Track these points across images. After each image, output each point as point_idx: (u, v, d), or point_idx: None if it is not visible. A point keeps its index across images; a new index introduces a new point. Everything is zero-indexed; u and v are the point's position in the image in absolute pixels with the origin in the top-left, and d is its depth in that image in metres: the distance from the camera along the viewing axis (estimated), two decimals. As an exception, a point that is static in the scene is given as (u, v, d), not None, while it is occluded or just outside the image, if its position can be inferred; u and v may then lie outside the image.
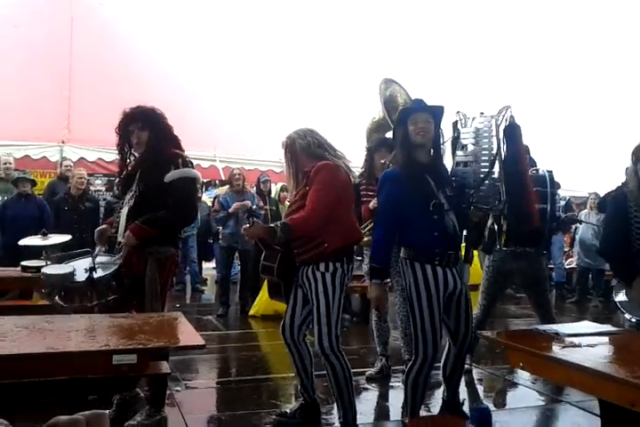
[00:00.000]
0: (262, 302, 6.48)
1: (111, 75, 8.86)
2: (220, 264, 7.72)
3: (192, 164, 3.39)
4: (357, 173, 4.13)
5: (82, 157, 8.34)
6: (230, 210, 6.65)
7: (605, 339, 2.64)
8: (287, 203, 6.06)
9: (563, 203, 8.49)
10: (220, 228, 7.06)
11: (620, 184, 3.74)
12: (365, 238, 3.61)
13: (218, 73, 10.07)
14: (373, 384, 4.23)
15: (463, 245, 3.36)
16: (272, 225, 3.04)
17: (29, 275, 4.49)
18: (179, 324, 2.74)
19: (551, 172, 4.23)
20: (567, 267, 9.42)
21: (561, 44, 13.29)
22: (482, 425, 2.40)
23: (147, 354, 2.30)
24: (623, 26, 13.36)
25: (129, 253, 3.18)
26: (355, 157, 3.75)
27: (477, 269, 6.54)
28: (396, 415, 3.60)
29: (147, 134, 3.29)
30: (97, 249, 3.35)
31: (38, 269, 3.87)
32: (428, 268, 3.01)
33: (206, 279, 9.81)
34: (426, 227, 3.01)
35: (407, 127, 3.07)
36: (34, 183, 6.69)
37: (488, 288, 4.33)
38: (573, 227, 8.44)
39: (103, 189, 8.64)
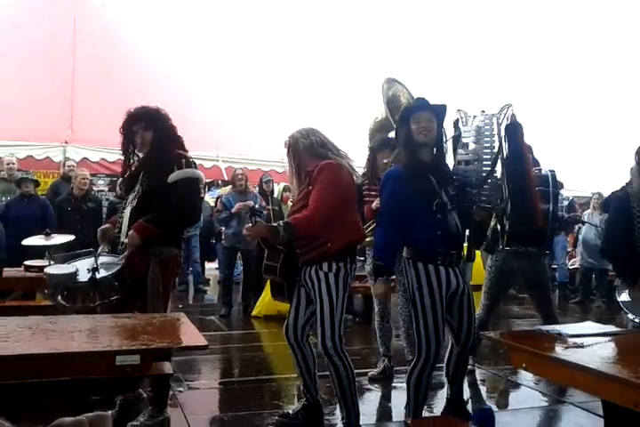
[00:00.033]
0: (265, 302, 6.48)
1: (114, 76, 8.87)
2: (222, 264, 7.73)
3: (195, 164, 3.39)
4: (360, 173, 4.12)
5: (85, 158, 8.35)
6: (233, 210, 6.66)
7: (608, 339, 2.64)
8: (290, 203, 6.06)
9: (566, 203, 8.47)
10: (223, 228, 7.08)
11: (625, 184, 3.73)
12: (368, 239, 3.61)
13: (222, 73, 10.07)
14: (376, 385, 4.22)
15: (465, 244, 3.35)
16: (275, 224, 3.03)
17: (33, 275, 4.50)
18: (181, 324, 2.74)
19: (554, 171, 4.22)
20: (570, 267, 9.40)
21: (564, 43, 13.27)
22: (485, 426, 2.39)
23: (149, 355, 2.30)
24: (629, 24, 13.32)
25: (131, 254, 3.18)
26: (357, 157, 3.74)
27: (480, 270, 6.52)
28: (398, 416, 3.59)
29: (151, 134, 3.30)
30: (100, 249, 3.36)
31: (41, 268, 3.88)
32: (430, 267, 3.00)
33: (209, 280, 9.82)
34: (429, 226, 3.00)
35: (410, 126, 3.06)
36: (37, 184, 6.69)
37: (490, 288, 4.32)
38: (576, 227, 8.43)
39: (106, 189, 8.66)
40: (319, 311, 3.08)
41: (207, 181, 9.03)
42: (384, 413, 3.80)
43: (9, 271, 4.74)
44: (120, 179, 3.82)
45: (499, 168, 3.26)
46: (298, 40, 10.98)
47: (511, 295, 8.10)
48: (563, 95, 12.40)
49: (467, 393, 3.68)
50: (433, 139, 3.08)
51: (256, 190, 7.40)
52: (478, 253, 5.23)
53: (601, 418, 2.68)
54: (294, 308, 3.27)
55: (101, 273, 3.06)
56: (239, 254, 7.09)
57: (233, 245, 6.82)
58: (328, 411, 3.51)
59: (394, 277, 3.50)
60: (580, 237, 8.68)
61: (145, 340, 2.35)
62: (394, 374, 4.36)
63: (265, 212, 6.82)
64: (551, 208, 4.09)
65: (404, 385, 3.17)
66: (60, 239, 4.91)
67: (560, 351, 2.39)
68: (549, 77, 12.75)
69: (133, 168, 3.39)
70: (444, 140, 3.24)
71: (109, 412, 3.04)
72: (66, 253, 3.65)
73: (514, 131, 3.43)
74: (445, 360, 3.27)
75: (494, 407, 3.64)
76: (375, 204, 3.94)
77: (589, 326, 2.92)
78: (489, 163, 3.21)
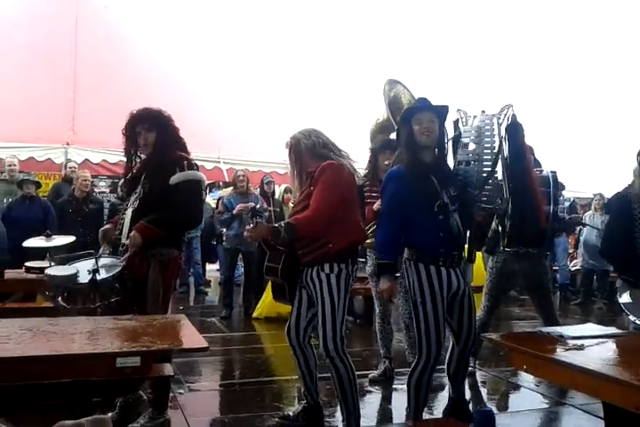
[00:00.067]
0: (266, 304, 6.48)
1: (116, 77, 8.88)
2: (223, 266, 7.73)
3: (197, 166, 3.39)
4: (361, 175, 4.12)
5: (86, 159, 8.35)
6: (234, 211, 6.66)
7: (610, 341, 2.63)
8: (291, 204, 6.06)
9: (567, 204, 8.46)
10: (224, 229, 7.08)
11: (627, 186, 3.72)
12: (369, 240, 3.60)
13: (224, 75, 10.07)
14: (376, 387, 4.22)
15: (466, 245, 3.35)
16: (276, 225, 3.02)
17: (33, 277, 4.50)
18: (182, 326, 2.74)
19: (555, 172, 4.22)
20: (571, 268, 9.39)
21: (566, 44, 13.25)
22: (485, 428, 2.38)
23: (150, 357, 2.30)
24: (631, 24, 13.31)
25: (132, 255, 3.18)
26: (359, 158, 3.74)
27: (481, 271, 6.52)
28: (399, 418, 3.58)
29: (154, 135, 3.30)
30: (101, 250, 3.36)
31: (42, 270, 3.88)
32: (432, 268, 3.00)
33: (210, 281, 9.82)
34: (431, 227, 3.00)
35: (412, 127, 3.05)
36: (38, 185, 6.70)
37: (491, 290, 4.32)
38: (578, 228, 8.42)
39: (107, 190, 8.67)
40: (321, 313, 3.07)
41: (208, 182, 9.04)
42: (384, 415, 3.79)
43: (10, 273, 4.75)
44: (122, 180, 3.82)
45: (499, 168, 3.26)
46: (299, 41, 10.98)
47: (512, 297, 8.12)
48: (564, 96, 12.39)
49: (467, 395, 3.68)
50: (435, 140, 3.07)
51: (257, 192, 7.41)
52: (479, 254, 5.23)
53: (602, 420, 2.67)
54: (296, 309, 3.26)
55: (102, 275, 3.06)
56: (240, 256, 7.10)
57: (234, 247, 6.82)
58: (328, 413, 3.50)
59: (398, 274, 3.48)
60: (582, 238, 8.68)
61: (145, 342, 2.35)
62: (394, 375, 4.35)
63: (266, 213, 6.81)
64: (551, 209, 4.09)
65: (405, 387, 3.17)
66: (60, 241, 4.92)
67: (561, 353, 2.38)
68: (550, 78, 12.74)
69: (135, 170, 3.39)
70: (446, 140, 3.23)
71: (109, 414, 3.05)
72: (67, 255, 3.65)
73: (514, 131, 3.42)
74: (446, 361, 3.27)
75: (495, 409, 3.63)
76: (376, 205, 3.93)
77: (590, 328, 2.92)
78: (489, 163, 3.20)
